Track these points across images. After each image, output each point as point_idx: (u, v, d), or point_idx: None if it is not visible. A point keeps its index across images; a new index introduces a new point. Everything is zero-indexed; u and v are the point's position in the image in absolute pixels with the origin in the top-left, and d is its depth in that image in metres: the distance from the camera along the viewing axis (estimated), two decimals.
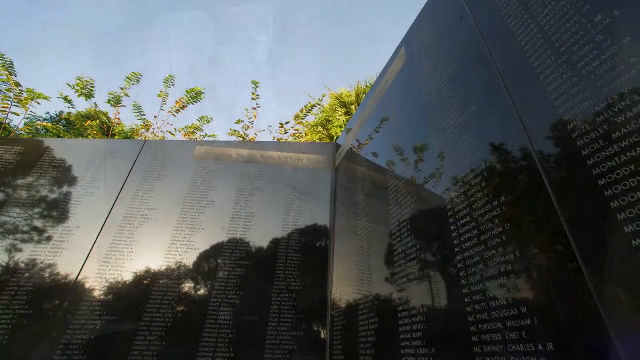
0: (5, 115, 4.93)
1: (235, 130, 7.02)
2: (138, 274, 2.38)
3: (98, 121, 6.62)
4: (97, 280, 2.34)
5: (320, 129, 8.57)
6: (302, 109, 6.98)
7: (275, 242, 2.61)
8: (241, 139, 7.02)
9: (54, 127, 6.97)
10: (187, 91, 6.70)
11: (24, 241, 2.50)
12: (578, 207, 0.86)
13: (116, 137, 7.13)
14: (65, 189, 2.82)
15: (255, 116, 7.08)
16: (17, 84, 4.93)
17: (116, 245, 2.51)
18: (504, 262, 1.02)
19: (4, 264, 2.37)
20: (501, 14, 1.38)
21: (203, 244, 2.56)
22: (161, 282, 2.35)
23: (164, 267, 2.42)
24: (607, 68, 0.89)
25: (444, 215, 1.38)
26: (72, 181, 2.87)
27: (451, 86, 1.60)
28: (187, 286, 2.36)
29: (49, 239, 2.52)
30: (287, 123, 7.16)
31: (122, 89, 6.27)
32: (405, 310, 1.49)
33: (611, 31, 0.92)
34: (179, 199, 2.79)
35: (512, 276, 0.99)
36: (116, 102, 6.28)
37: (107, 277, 2.35)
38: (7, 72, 4.91)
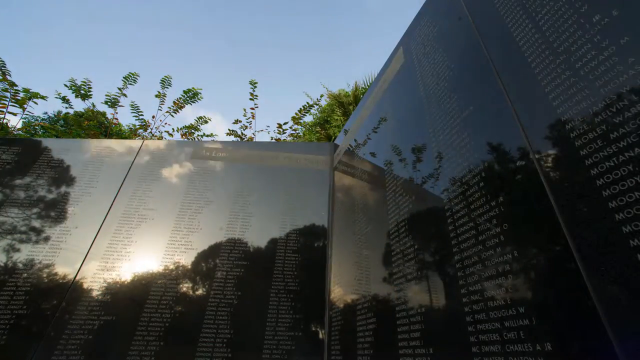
0: (3, 115, 4.91)
1: (233, 131, 7.01)
2: (136, 274, 2.38)
3: (96, 121, 6.61)
4: (95, 280, 2.33)
5: (318, 129, 8.58)
6: (300, 109, 6.97)
7: (273, 242, 2.60)
8: (239, 139, 7.02)
9: (51, 127, 6.96)
10: (184, 91, 6.69)
11: (21, 241, 2.49)
12: (576, 207, 0.86)
13: (114, 137, 7.11)
14: (63, 189, 2.82)
15: (253, 116, 7.07)
16: (13, 84, 4.91)
17: (114, 245, 2.50)
18: (501, 262, 1.02)
19: (2, 264, 2.36)
20: (499, 13, 1.39)
21: (201, 244, 2.56)
22: (159, 282, 2.34)
23: (161, 267, 2.41)
24: (605, 68, 0.89)
25: (442, 215, 1.38)
26: (70, 181, 2.87)
27: (449, 86, 1.61)
28: (185, 286, 2.35)
29: (46, 239, 2.52)
30: (285, 123, 7.15)
31: (119, 89, 6.26)
32: (403, 310, 1.49)
33: (609, 31, 0.92)
34: (177, 199, 2.79)
35: (510, 276, 0.99)
36: (113, 103, 6.27)
37: (105, 277, 2.35)
38: (1, 72, 4.89)
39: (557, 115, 0.99)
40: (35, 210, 2.67)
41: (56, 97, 6.01)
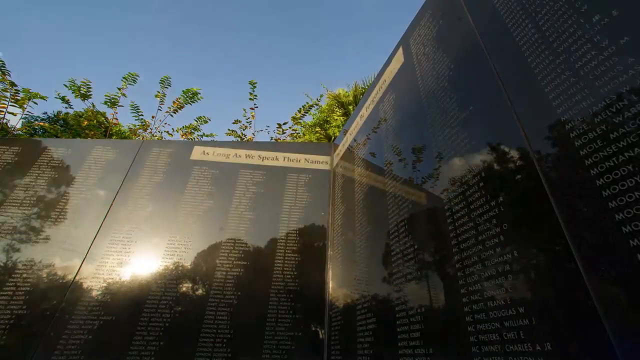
0: (2, 115, 4.90)
1: (232, 131, 7.01)
2: (136, 274, 2.37)
3: (95, 121, 6.60)
4: (94, 280, 2.33)
5: (317, 129, 8.57)
6: (300, 109, 6.97)
7: (273, 242, 2.60)
8: (239, 139, 7.01)
9: (51, 127, 6.95)
10: (183, 91, 6.68)
11: (21, 241, 2.49)
12: (575, 207, 0.86)
13: (114, 137, 7.11)
14: (62, 189, 2.81)
15: (253, 116, 7.07)
16: (12, 84, 4.90)
17: (114, 245, 2.50)
18: (501, 262, 1.02)
19: (1, 264, 2.36)
20: (499, 13, 1.39)
21: (201, 244, 2.56)
22: (159, 282, 2.34)
23: (161, 267, 2.41)
24: (605, 68, 0.89)
25: (441, 215, 1.38)
26: (69, 181, 2.86)
27: (449, 86, 1.61)
28: (185, 286, 2.35)
29: (46, 239, 2.51)
30: (284, 123, 7.15)
31: (119, 89, 6.25)
32: (403, 310, 1.49)
33: (609, 31, 0.92)
34: (177, 199, 2.78)
35: (509, 276, 0.99)
36: (112, 103, 6.26)
37: (104, 277, 2.35)
38: (0, 72, 4.88)
39: (557, 115, 0.99)
40: (35, 210, 2.66)
41: (56, 98, 6.00)
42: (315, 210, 2.81)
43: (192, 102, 6.83)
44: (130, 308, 2.23)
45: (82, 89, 6.12)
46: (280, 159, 3.13)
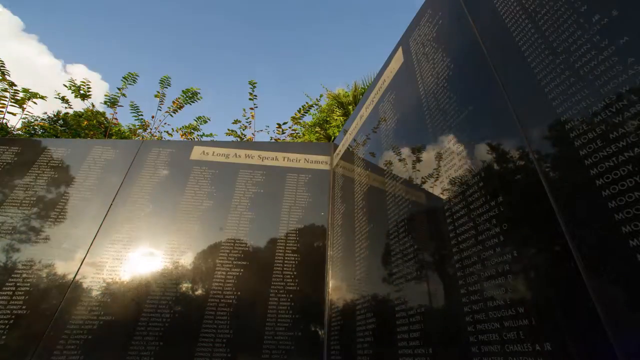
0: (2, 115, 4.90)
1: (232, 131, 7.01)
2: (135, 274, 2.37)
3: (95, 121, 6.60)
4: (94, 280, 2.33)
5: (317, 129, 8.57)
6: (300, 109, 6.97)
7: (273, 242, 2.60)
8: (238, 139, 7.01)
9: (51, 127, 6.94)
10: (183, 91, 6.69)
11: (21, 241, 2.49)
12: (575, 207, 0.86)
13: (113, 137, 7.11)
14: (62, 188, 2.81)
15: (252, 116, 7.07)
16: (12, 84, 4.89)
17: (114, 245, 2.50)
18: (501, 262, 1.02)
19: (1, 264, 2.35)
20: (499, 13, 1.39)
21: (201, 244, 2.55)
22: (159, 282, 2.34)
23: (161, 267, 2.41)
24: (605, 68, 0.89)
25: (441, 215, 1.38)
26: (69, 181, 2.86)
27: (449, 86, 1.61)
28: (185, 286, 2.35)
29: (46, 239, 2.51)
30: (284, 123, 7.16)
31: (119, 89, 6.25)
32: (402, 310, 1.49)
33: (609, 31, 0.92)
34: (177, 198, 2.78)
35: (509, 276, 0.99)
36: (112, 103, 6.26)
37: (104, 277, 2.35)
38: (0, 72, 4.87)
39: (557, 115, 0.99)
40: (34, 210, 2.66)
41: (55, 97, 6.01)
42: (315, 210, 2.81)
43: (191, 102, 6.84)
44: (130, 308, 2.23)
45: (81, 89, 6.13)
46: (280, 159, 3.13)
